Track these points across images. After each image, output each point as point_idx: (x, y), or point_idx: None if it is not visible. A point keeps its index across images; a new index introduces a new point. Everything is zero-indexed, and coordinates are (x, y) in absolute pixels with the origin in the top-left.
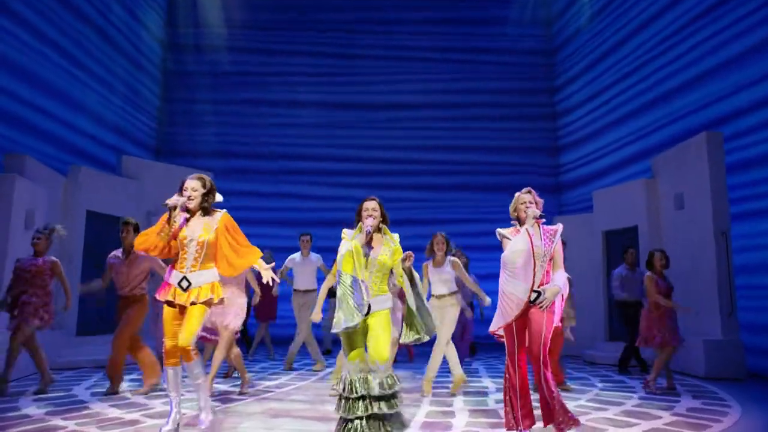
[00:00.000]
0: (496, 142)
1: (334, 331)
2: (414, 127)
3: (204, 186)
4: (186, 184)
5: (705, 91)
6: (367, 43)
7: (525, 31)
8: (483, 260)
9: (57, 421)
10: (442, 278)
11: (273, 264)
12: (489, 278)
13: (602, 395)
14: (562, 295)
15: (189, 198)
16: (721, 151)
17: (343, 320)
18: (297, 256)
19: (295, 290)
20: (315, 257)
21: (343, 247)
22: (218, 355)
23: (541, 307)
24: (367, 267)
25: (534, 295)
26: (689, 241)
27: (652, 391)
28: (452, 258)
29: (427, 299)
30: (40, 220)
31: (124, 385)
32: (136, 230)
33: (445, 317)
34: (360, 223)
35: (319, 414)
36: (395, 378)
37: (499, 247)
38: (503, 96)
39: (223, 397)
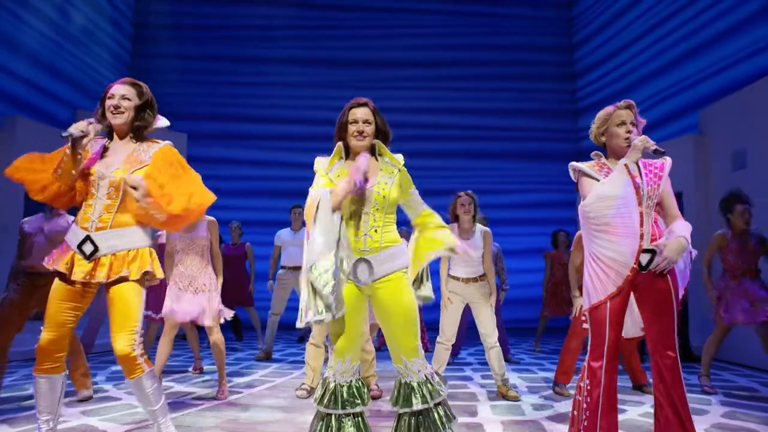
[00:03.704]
0: (506, 105)
1: (300, 325)
2: (414, 87)
3: (140, 95)
4: (113, 90)
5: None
6: None
7: None
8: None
9: None
10: (470, 253)
11: (241, 233)
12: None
13: None
14: (690, 252)
15: (116, 108)
16: None
17: (311, 310)
18: (285, 231)
19: (282, 266)
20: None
21: (318, 188)
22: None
23: (657, 272)
24: (356, 209)
25: (647, 258)
26: (753, 207)
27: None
28: (484, 228)
29: (435, 284)
30: None
31: None
32: None
33: (481, 313)
34: (339, 144)
35: (294, 429)
36: (441, 379)
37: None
38: (514, 53)
39: (172, 401)
